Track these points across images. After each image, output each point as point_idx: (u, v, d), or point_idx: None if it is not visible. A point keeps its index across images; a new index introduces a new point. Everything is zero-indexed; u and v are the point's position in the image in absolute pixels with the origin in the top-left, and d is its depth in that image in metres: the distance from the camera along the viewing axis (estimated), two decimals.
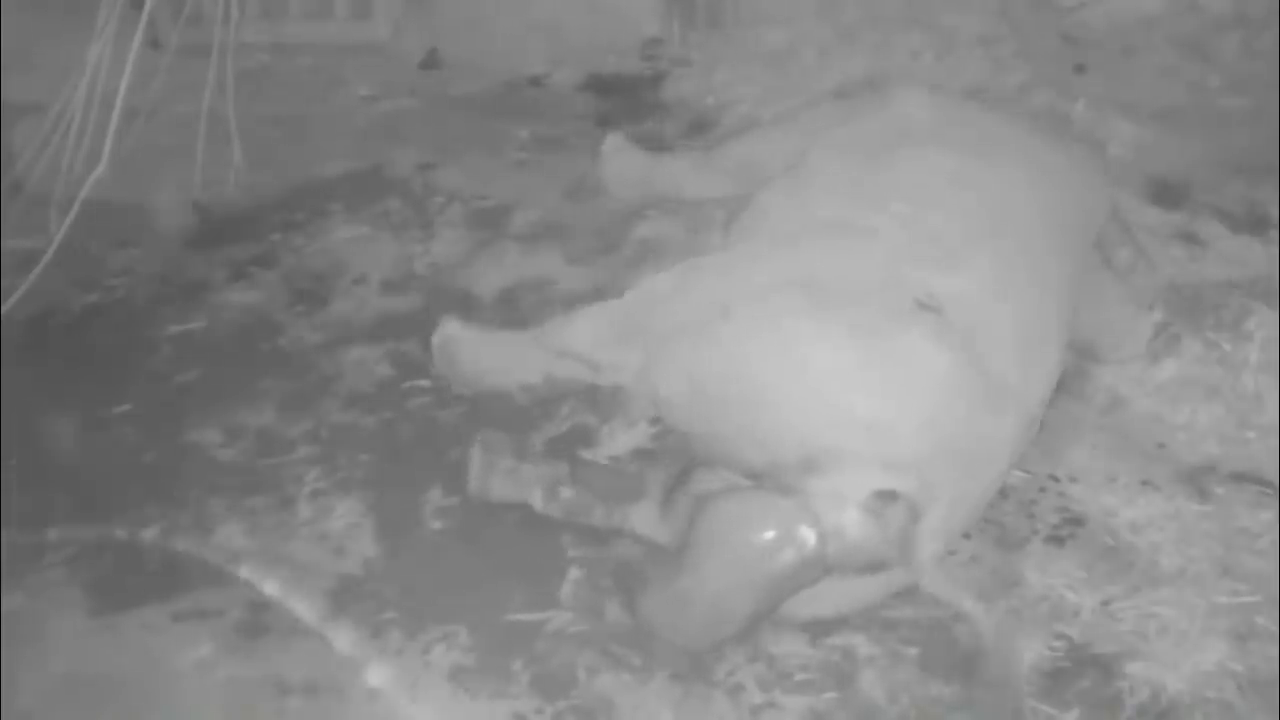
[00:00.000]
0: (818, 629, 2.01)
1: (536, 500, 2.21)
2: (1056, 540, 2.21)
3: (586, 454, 2.41)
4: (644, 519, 2.16)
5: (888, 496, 1.83)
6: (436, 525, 2.29)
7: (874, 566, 1.87)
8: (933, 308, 1.95)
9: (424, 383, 2.65)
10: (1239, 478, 2.33)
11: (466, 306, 2.89)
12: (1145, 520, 2.24)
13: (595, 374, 2.18)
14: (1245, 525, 2.23)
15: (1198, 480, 2.33)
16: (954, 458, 1.90)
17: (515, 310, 2.86)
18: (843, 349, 1.92)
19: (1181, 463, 2.38)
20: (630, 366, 2.13)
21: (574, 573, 2.09)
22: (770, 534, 1.83)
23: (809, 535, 1.82)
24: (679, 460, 2.31)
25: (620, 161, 3.06)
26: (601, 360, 2.17)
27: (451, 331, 2.30)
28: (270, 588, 2.13)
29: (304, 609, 2.09)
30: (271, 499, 2.36)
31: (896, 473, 1.84)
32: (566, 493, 2.20)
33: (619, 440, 2.46)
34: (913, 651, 2.01)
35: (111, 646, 2.08)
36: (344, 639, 2.05)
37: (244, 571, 2.17)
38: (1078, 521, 2.25)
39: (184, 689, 2.00)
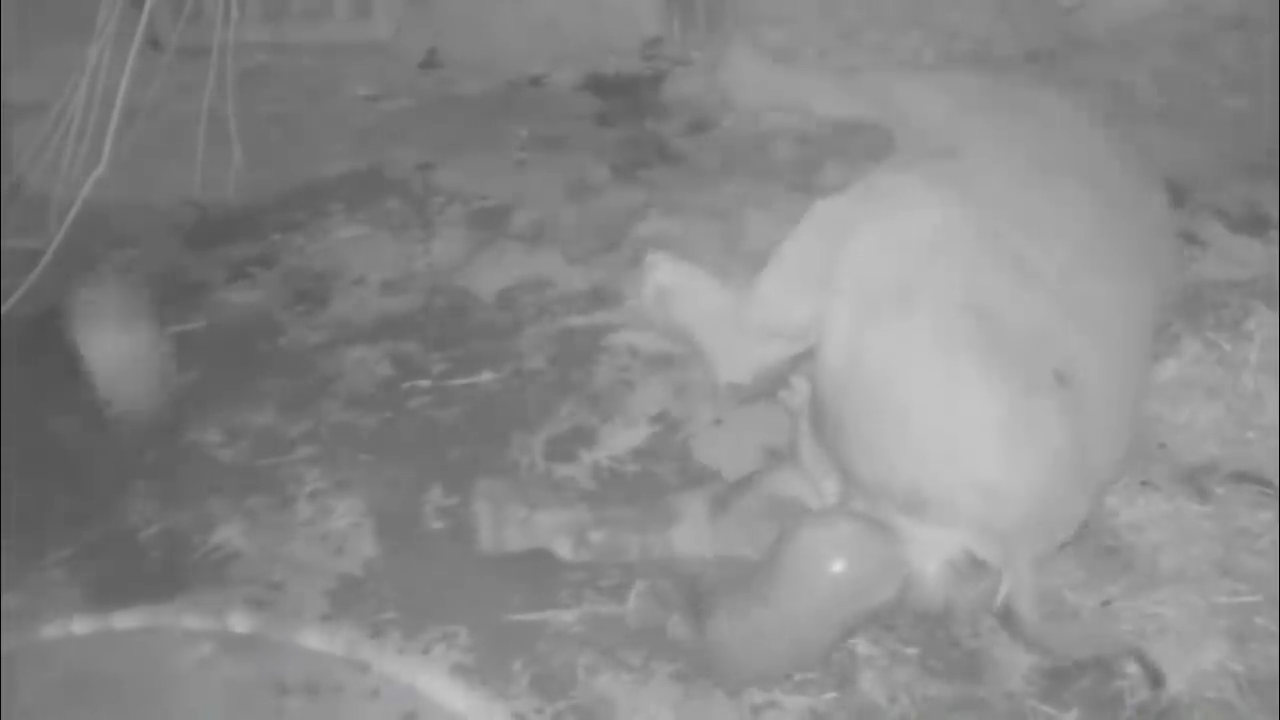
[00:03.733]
0: None
1: (565, 549, 2.14)
2: None
3: (589, 457, 2.40)
4: (687, 539, 2.12)
5: (978, 564, 1.83)
6: (436, 525, 2.29)
7: (940, 618, 1.87)
8: (1065, 381, 1.91)
9: (424, 383, 2.65)
10: (1239, 478, 2.33)
11: (466, 306, 2.89)
12: (1145, 520, 2.24)
13: (802, 342, 2.04)
14: (1245, 525, 2.23)
15: (1198, 480, 2.33)
16: (1038, 532, 1.91)
17: (515, 310, 2.86)
18: (992, 405, 1.88)
19: (1181, 463, 2.38)
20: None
21: (640, 585, 2.02)
22: (859, 571, 1.81)
23: (893, 579, 1.82)
24: (681, 463, 2.31)
25: (745, 69, 2.98)
26: (801, 322, 2.03)
27: (666, 279, 2.18)
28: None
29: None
30: (271, 499, 2.36)
31: (991, 541, 1.85)
32: (597, 537, 2.14)
33: (619, 440, 2.46)
34: (913, 651, 2.01)
35: (111, 646, 2.07)
36: (344, 639, 2.06)
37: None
38: None
39: (183, 689, 2.00)
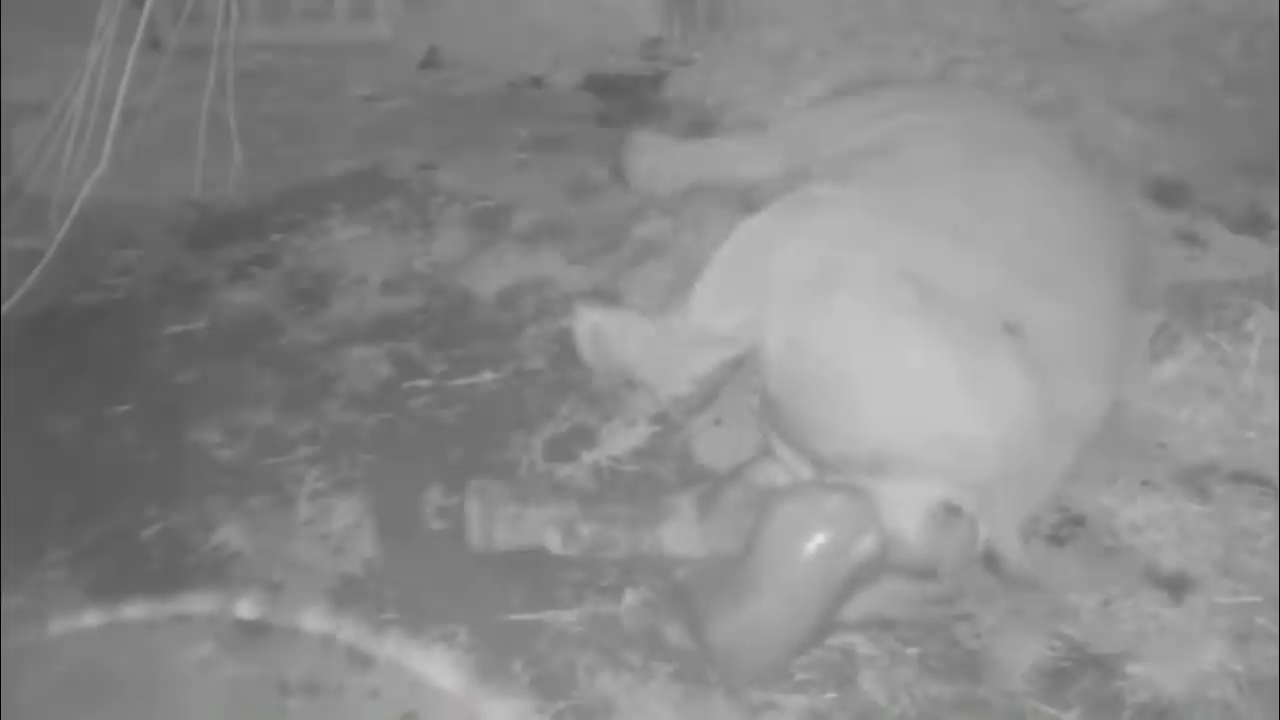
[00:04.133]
0: None
1: (554, 543, 2.15)
2: (1056, 540, 2.21)
3: (589, 457, 2.41)
4: (677, 538, 2.13)
5: (954, 511, 1.84)
6: (436, 525, 2.29)
7: (926, 574, 1.88)
8: (1017, 331, 1.95)
9: (424, 383, 2.65)
10: (1239, 478, 2.33)
11: (466, 306, 2.89)
12: (1145, 520, 2.24)
13: (734, 347, 2.10)
14: (1245, 525, 2.23)
15: (1198, 480, 2.33)
16: (1014, 481, 1.92)
17: (515, 310, 2.86)
18: (939, 359, 1.91)
19: (1181, 463, 2.38)
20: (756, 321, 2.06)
21: (630, 596, 2.05)
22: (838, 533, 1.82)
23: (872, 536, 1.82)
24: (681, 463, 2.31)
25: (650, 157, 2.93)
26: (731, 328, 2.09)
27: (596, 321, 2.25)
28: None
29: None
30: (271, 499, 2.36)
31: (964, 489, 1.86)
32: (587, 531, 2.15)
33: (619, 440, 2.46)
34: (913, 651, 2.01)
35: (111, 646, 2.08)
36: (344, 639, 2.06)
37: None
38: (1078, 521, 2.25)
39: (184, 689, 2.00)
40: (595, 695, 1.95)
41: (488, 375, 2.66)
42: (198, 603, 2.13)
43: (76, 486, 2.41)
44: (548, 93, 4.01)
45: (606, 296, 2.86)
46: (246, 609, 2.12)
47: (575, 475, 2.39)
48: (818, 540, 1.83)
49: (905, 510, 1.85)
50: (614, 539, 2.15)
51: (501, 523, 2.17)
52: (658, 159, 2.95)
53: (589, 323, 2.26)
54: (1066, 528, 2.24)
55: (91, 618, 2.12)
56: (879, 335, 1.93)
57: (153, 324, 2.87)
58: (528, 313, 2.85)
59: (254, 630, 2.08)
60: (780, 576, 1.86)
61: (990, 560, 1.89)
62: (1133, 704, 1.92)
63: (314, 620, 2.09)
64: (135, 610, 2.13)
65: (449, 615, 2.09)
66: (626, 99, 3.92)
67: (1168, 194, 3.21)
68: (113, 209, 3.07)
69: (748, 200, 2.79)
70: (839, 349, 1.94)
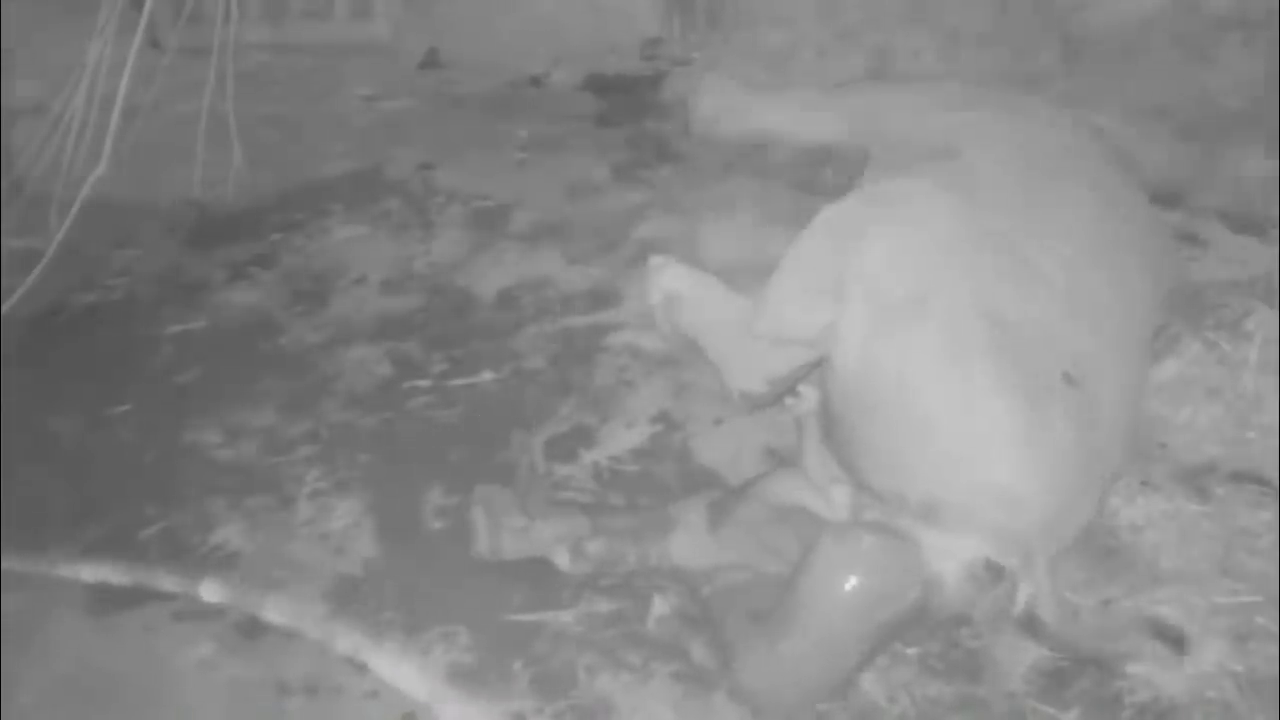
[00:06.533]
0: None
1: (562, 559, 2.12)
2: None
3: (589, 457, 2.41)
4: (684, 549, 2.10)
5: (995, 569, 1.83)
6: (436, 525, 2.29)
7: (956, 622, 1.89)
8: (1076, 382, 1.91)
9: (424, 383, 2.65)
10: (1239, 478, 2.33)
11: (466, 306, 2.89)
12: (1145, 520, 2.24)
13: (815, 348, 2.01)
14: (1245, 525, 2.23)
15: (1198, 480, 2.33)
16: (1054, 533, 1.91)
17: (515, 310, 2.86)
18: (1004, 411, 1.87)
19: (1181, 463, 2.37)
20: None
21: (659, 605, 2.03)
22: (886, 582, 1.81)
23: (918, 587, 1.82)
24: (681, 463, 2.30)
25: (717, 99, 2.85)
26: (812, 332, 2.00)
27: (673, 284, 2.17)
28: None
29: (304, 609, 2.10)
30: (271, 499, 2.36)
31: (1008, 546, 1.85)
32: (594, 546, 2.12)
33: (619, 440, 2.46)
34: (913, 651, 2.01)
35: (111, 646, 2.08)
36: (344, 639, 2.06)
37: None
38: None
39: (184, 689, 2.00)
40: (595, 695, 1.95)
41: (487, 375, 2.66)
42: (197, 603, 2.13)
43: (76, 486, 2.41)
44: (548, 93, 4.02)
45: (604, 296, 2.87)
46: (246, 609, 2.11)
47: (575, 475, 2.38)
48: (866, 587, 1.80)
49: (947, 560, 1.83)
50: (622, 553, 2.12)
51: (509, 534, 2.14)
52: (724, 103, 2.85)
53: (665, 283, 2.17)
54: None
55: (91, 618, 2.12)
56: (955, 377, 1.88)
57: (153, 324, 2.88)
58: (527, 313, 2.85)
59: (253, 630, 2.08)
60: (822, 619, 1.83)
61: (1028, 623, 1.88)
62: (1132, 704, 1.92)
63: (313, 620, 2.09)
64: (134, 610, 2.13)
65: (449, 615, 2.08)
66: (626, 99, 3.92)
67: (1168, 194, 3.20)
68: (113, 209, 3.08)
69: (792, 180, 2.72)
70: (913, 381, 1.89)
